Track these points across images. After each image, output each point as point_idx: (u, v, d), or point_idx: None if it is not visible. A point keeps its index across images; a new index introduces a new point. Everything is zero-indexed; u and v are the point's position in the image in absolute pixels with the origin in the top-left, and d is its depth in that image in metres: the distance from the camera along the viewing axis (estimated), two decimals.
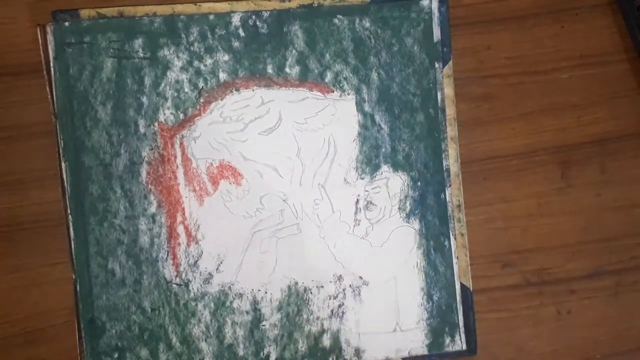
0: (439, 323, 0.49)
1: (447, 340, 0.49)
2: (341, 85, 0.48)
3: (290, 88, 0.48)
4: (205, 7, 0.48)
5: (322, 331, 0.49)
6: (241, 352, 0.48)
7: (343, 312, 0.49)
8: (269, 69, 0.48)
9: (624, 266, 0.51)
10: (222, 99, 0.48)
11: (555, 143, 0.51)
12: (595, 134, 0.51)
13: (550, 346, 0.51)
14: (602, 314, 0.51)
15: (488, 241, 0.51)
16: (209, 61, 0.48)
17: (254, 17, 0.48)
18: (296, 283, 0.48)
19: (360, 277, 0.49)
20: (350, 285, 0.49)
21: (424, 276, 0.49)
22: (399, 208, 0.49)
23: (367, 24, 0.48)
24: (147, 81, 0.47)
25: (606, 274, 0.51)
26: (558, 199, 0.51)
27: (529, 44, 0.51)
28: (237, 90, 0.48)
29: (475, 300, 0.50)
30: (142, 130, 0.47)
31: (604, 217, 0.51)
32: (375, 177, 0.49)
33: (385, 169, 0.49)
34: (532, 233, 0.51)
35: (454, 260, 0.49)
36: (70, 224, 0.47)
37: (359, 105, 0.49)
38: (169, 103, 0.47)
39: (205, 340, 0.48)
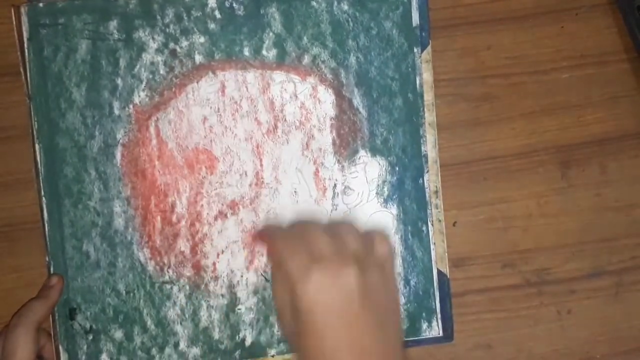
0: (416, 308, 0.49)
1: (424, 325, 0.49)
2: (319, 68, 0.48)
3: (267, 71, 0.48)
4: None
5: None
6: (216, 336, 0.48)
7: None
8: (246, 52, 0.48)
9: (624, 266, 0.51)
10: (197, 82, 0.47)
11: (555, 143, 0.51)
12: (595, 134, 0.51)
13: (550, 346, 0.51)
14: (602, 314, 0.51)
15: (488, 241, 0.51)
16: (184, 43, 0.47)
17: None
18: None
19: None
20: None
21: (401, 261, 0.49)
22: (377, 193, 0.49)
23: (345, 7, 0.48)
24: (122, 63, 0.47)
25: (606, 274, 0.51)
26: (558, 199, 0.51)
27: (529, 44, 0.51)
28: (213, 72, 0.48)
29: (475, 300, 0.50)
30: (116, 112, 0.47)
31: (604, 217, 0.51)
32: (353, 161, 0.49)
33: (363, 153, 0.49)
34: (532, 233, 0.51)
35: (432, 247, 0.49)
36: (45, 206, 0.47)
37: (337, 89, 0.48)
38: (143, 85, 0.47)
39: (181, 324, 0.48)
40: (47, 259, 0.47)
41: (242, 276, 0.48)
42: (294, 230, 0.39)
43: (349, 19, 0.48)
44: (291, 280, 0.35)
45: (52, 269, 0.47)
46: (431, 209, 0.49)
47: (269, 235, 0.41)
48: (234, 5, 0.47)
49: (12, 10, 0.46)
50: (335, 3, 0.48)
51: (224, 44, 0.47)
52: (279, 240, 0.38)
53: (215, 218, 0.48)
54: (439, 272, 0.49)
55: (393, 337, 0.38)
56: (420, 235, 0.49)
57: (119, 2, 0.47)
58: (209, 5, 0.47)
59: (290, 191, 0.48)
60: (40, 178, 0.47)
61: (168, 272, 0.48)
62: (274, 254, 0.39)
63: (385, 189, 0.49)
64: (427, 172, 0.49)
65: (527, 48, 0.51)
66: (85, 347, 0.47)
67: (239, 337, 0.48)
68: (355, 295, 0.35)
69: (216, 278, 0.48)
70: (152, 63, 0.47)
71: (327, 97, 0.48)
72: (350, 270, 0.35)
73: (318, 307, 0.35)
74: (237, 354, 0.48)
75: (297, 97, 0.48)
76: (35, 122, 0.47)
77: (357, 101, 0.48)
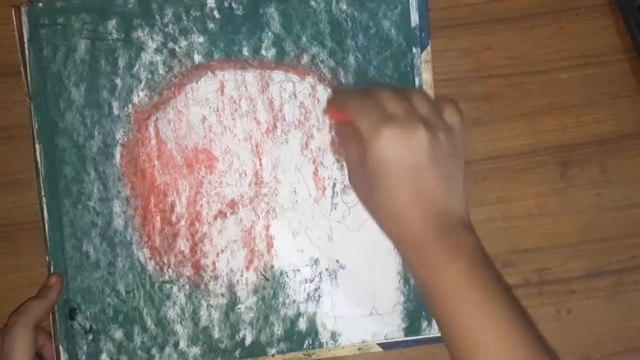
0: (416, 307, 0.49)
1: (424, 324, 0.49)
2: (318, 67, 0.48)
3: (266, 70, 0.48)
4: None
5: (298, 315, 0.49)
6: (216, 335, 0.48)
7: (319, 296, 0.49)
8: (245, 51, 0.48)
9: (624, 266, 0.51)
10: (196, 81, 0.48)
11: (555, 143, 0.51)
12: (595, 134, 0.51)
13: None
14: (602, 314, 0.51)
15: (488, 241, 0.50)
16: (183, 43, 0.47)
17: None
18: (272, 266, 0.48)
19: (337, 261, 0.49)
20: (326, 269, 0.49)
21: (400, 260, 0.49)
22: None
23: (344, 6, 0.48)
24: (121, 63, 0.47)
25: (606, 274, 0.51)
26: (558, 199, 0.51)
27: (529, 44, 0.51)
28: (212, 72, 0.48)
29: None
30: (116, 112, 0.47)
31: (603, 217, 0.51)
32: None
33: None
34: (532, 233, 0.51)
35: None
36: (45, 206, 0.47)
37: (336, 89, 0.48)
38: (142, 85, 0.47)
39: (180, 323, 0.48)
40: (47, 258, 0.47)
41: (241, 275, 0.48)
42: (365, 94, 0.41)
43: (348, 19, 0.48)
44: (364, 137, 0.38)
45: (52, 269, 0.47)
46: None
47: (340, 100, 0.43)
48: (233, 5, 0.48)
49: (13, 11, 0.46)
50: (334, 3, 0.48)
51: (223, 44, 0.48)
52: (351, 101, 0.40)
53: (215, 217, 0.48)
54: None
55: (457, 189, 0.40)
56: None
57: (117, 1, 0.47)
58: (208, 5, 0.47)
59: (289, 190, 0.48)
60: (40, 178, 0.47)
61: (168, 271, 0.48)
62: (345, 117, 0.40)
63: None
64: None
65: (527, 48, 0.51)
66: (85, 347, 0.47)
67: (238, 336, 0.48)
68: (424, 153, 0.38)
69: (216, 277, 0.48)
70: (151, 63, 0.47)
71: (326, 96, 0.48)
72: (419, 131, 0.38)
73: (389, 161, 0.38)
74: (237, 353, 0.48)
75: (296, 96, 0.48)
76: (36, 122, 0.47)
77: None
